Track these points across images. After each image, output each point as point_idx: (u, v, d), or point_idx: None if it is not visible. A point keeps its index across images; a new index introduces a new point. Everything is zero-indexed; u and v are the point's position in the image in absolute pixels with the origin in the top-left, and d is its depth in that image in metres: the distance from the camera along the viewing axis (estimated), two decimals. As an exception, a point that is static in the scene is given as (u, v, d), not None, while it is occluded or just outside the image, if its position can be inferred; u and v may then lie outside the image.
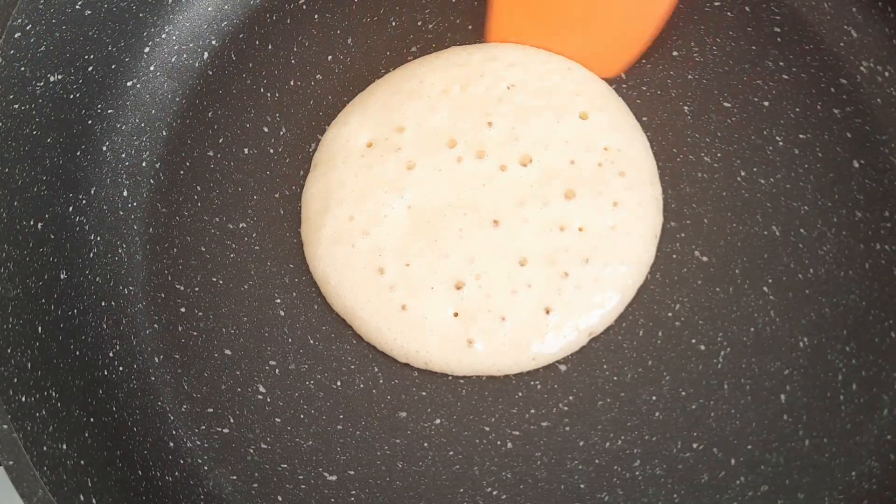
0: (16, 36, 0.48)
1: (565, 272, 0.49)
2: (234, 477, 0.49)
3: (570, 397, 0.49)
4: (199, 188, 0.53)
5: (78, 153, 0.52)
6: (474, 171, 0.50)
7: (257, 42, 0.55)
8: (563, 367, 0.49)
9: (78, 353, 0.49)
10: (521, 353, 0.48)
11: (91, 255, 0.52)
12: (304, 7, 0.55)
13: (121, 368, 0.50)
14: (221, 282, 0.52)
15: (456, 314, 0.49)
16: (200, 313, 0.51)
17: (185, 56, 0.54)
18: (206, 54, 0.55)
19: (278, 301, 0.51)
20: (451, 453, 0.48)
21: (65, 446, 0.45)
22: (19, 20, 0.48)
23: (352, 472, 0.48)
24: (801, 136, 0.52)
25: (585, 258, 0.49)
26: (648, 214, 0.50)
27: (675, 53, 0.54)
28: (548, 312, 0.48)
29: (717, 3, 0.54)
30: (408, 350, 0.49)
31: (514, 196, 0.50)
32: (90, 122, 0.52)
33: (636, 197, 0.50)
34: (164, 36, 0.54)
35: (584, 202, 0.50)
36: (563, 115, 0.51)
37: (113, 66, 0.53)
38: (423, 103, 0.52)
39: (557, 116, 0.51)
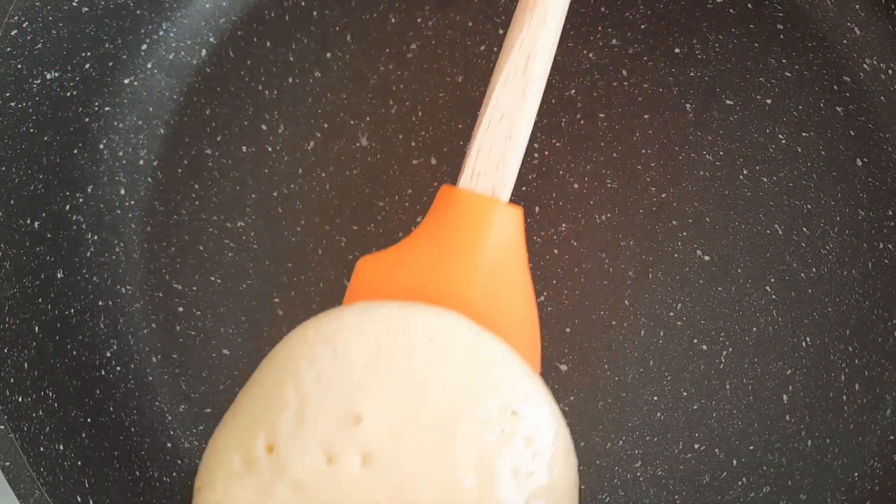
0: (12, 33, 0.48)
1: None
2: (233, 477, 0.48)
3: (571, 397, 0.49)
4: (196, 186, 0.53)
5: (75, 151, 0.52)
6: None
7: (255, 39, 0.54)
8: (563, 367, 0.49)
9: (75, 352, 0.49)
10: None
11: (88, 253, 0.51)
12: (303, 4, 0.55)
13: (118, 368, 0.50)
14: (219, 281, 0.51)
15: None
16: (198, 312, 0.51)
17: (182, 53, 0.54)
18: (203, 52, 0.54)
19: (277, 300, 0.51)
20: (450, 454, 0.48)
21: (62, 447, 0.45)
22: (16, 17, 0.48)
23: (351, 473, 0.48)
24: (803, 134, 0.52)
25: None
26: None
27: (676, 50, 0.53)
28: None
29: (719, 0, 0.54)
30: None
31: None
32: (87, 119, 0.52)
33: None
34: (161, 33, 0.54)
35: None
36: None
37: (110, 64, 0.52)
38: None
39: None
